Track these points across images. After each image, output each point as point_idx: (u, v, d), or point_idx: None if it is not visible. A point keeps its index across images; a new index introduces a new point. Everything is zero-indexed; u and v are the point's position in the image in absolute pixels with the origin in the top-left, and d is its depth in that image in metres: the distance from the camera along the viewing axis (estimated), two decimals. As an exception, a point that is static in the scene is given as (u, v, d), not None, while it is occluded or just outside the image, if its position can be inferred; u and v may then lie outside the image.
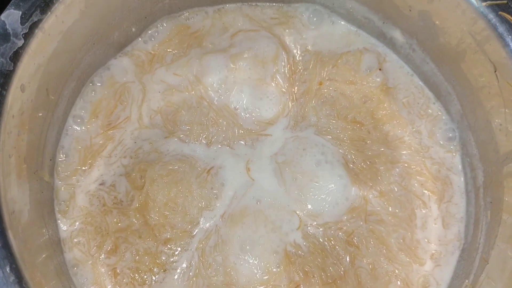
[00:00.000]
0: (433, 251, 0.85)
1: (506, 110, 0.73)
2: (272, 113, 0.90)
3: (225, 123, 0.88)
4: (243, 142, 0.88)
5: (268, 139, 0.89)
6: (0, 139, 0.68)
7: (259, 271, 0.82)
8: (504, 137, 0.75)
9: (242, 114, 0.89)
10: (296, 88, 0.91)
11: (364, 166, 0.87)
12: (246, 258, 0.83)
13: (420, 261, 0.84)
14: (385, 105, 0.90)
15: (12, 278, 0.62)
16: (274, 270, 0.82)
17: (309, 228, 0.84)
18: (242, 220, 0.84)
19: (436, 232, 0.86)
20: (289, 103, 0.90)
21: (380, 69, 0.91)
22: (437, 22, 0.81)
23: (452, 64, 0.82)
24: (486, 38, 0.73)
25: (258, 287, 0.82)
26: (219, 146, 0.88)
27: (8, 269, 0.62)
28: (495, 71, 0.73)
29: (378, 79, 0.91)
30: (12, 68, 0.68)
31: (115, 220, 0.84)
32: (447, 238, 0.85)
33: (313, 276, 0.81)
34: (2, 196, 0.66)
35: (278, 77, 0.91)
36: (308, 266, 0.81)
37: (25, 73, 0.72)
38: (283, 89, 0.90)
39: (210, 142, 0.88)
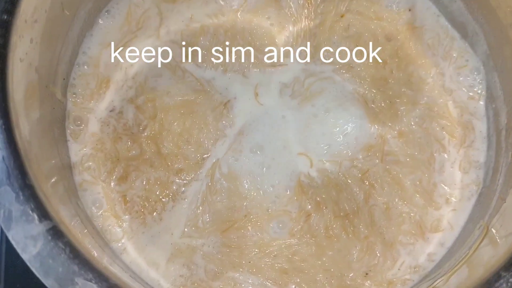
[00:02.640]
0: (449, 196, 0.88)
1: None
2: (283, 42, 0.92)
3: (239, 51, 0.90)
4: (256, 70, 0.90)
5: (281, 68, 0.90)
6: (12, 41, 0.67)
7: (269, 193, 0.85)
8: (531, 74, 0.72)
9: (257, 42, 0.91)
10: (311, 19, 0.92)
11: (384, 105, 0.89)
12: (255, 183, 0.86)
13: (436, 205, 0.87)
14: (410, 44, 0.92)
15: (15, 172, 0.60)
16: (286, 193, 0.84)
17: (323, 163, 0.86)
18: (250, 152, 0.87)
19: (454, 176, 0.88)
20: (302, 33, 0.92)
21: (410, 10, 0.92)
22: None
23: (481, 0, 0.78)
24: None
25: (269, 214, 0.84)
26: (233, 73, 0.90)
27: (12, 164, 0.61)
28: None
29: (405, 17, 0.92)
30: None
31: (125, 147, 0.88)
32: (464, 183, 0.88)
33: (326, 207, 0.85)
34: (10, 96, 0.64)
35: (292, 5, 0.92)
36: (320, 197, 0.85)
37: (40, -20, 0.71)
38: (295, 18, 0.92)
39: (225, 70, 0.90)
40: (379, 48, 0.91)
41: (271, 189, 0.86)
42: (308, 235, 0.84)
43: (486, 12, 0.85)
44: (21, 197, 0.63)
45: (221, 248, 0.84)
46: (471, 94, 0.89)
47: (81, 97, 0.88)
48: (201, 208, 0.85)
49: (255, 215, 0.85)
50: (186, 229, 0.85)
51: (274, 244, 0.84)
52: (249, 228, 0.85)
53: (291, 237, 0.84)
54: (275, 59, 0.91)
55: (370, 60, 0.90)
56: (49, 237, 0.63)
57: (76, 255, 0.63)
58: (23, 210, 0.63)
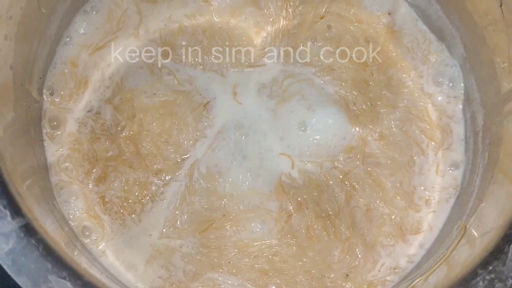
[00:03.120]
0: (428, 198, 0.88)
1: (511, 47, 0.74)
2: (261, 43, 0.92)
3: (218, 51, 0.90)
4: (235, 70, 0.90)
5: (259, 68, 0.91)
6: (-17, 35, 0.65)
7: (249, 193, 0.84)
8: (507, 75, 0.76)
9: (235, 42, 0.91)
10: (289, 19, 0.93)
11: (365, 107, 0.89)
12: (235, 183, 0.86)
13: (416, 207, 0.87)
14: (390, 47, 0.93)
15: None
16: (267, 193, 0.84)
17: (304, 164, 0.86)
18: (231, 152, 0.86)
19: (433, 179, 0.89)
20: (280, 34, 0.92)
21: (389, 14, 0.93)
22: (443, -43, 0.79)
23: (458, 3, 0.84)
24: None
25: (248, 214, 0.82)
26: (212, 73, 0.90)
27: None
28: (501, 6, 0.75)
29: (385, 21, 0.93)
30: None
31: (104, 147, 0.86)
32: (443, 185, 0.89)
33: (307, 208, 0.85)
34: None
35: (270, 6, 0.92)
36: (302, 198, 0.85)
37: (14, -24, 0.70)
38: (273, 19, 0.92)
39: (204, 69, 0.90)
40: (359, 50, 0.91)
41: (251, 189, 0.86)
42: (289, 236, 0.84)
43: (463, 15, 0.86)
44: (-6, 195, 0.62)
45: (200, 248, 0.83)
46: (449, 97, 0.90)
47: (58, 97, 0.87)
48: (179, 208, 0.84)
49: (234, 215, 0.84)
50: (164, 230, 0.84)
51: (254, 244, 0.83)
52: (228, 228, 0.84)
53: (271, 237, 0.84)
54: (252, 59, 0.91)
55: (351, 62, 0.90)
56: (22, 234, 0.61)
57: (49, 253, 0.61)
58: (-5, 207, 0.61)
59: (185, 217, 0.84)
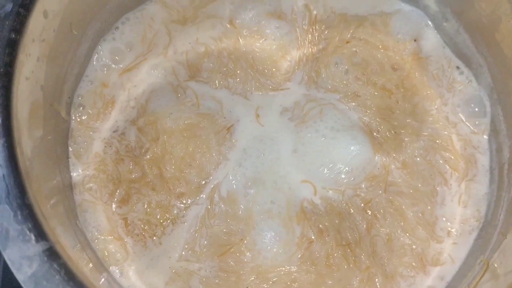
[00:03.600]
0: (450, 229, 0.86)
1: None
2: (286, 67, 0.92)
3: (242, 74, 0.90)
4: (258, 93, 0.90)
5: (283, 92, 0.91)
6: (18, 59, 0.67)
7: (268, 217, 0.84)
8: (535, 110, 0.72)
9: (259, 66, 0.92)
10: (314, 43, 0.93)
11: (389, 135, 0.88)
12: (255, 207, 0.85)
13: (438, 239, 0.85)
14: (416, 75, 0.91)
15: (15, 191, 0.60)
16: (288, 218, 0.83)
17: (326, 191, 0.85)
18: (253, 175, 0.86)
19: (456, 210, 0.87)
20: (304, 58, 0.92)
21: (415, 40, 0.92)
22: (472, -12, 0.78)
23: (486, 33, 0.84)
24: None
25: (268, 239, 0.82)
26: (236, 96, 0.90)
27: (12, 182, 0.60)
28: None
29: (411, 47, 0.92)
30: (36, -10, 0.69)
31: (127, 169, 0.86)
32: (466, 217, 0.87)
33: (328, 235, 0.83)
34: (14, 114, 0.64)
35: (297, 30, 0.92)
36: (323, 225, 0.84)
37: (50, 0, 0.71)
38: (299, 43, 0.92)
39: (229, 93, 0.91)
40: (385, 77, 0.90)
41: (272, 213, 0.85)
42: (308, 263, 0.83)
43: (491, 45, 0.85)
44: (19, 216, 0.62)
45: (218, 272, 0.83)
46: (474, 127, 0.88)
47: (86, 116, 0.88)
48: (199, 232, 0.84)
49: (253, 240, 0.84)
50: (183, 253, 0.83)
51: (273, 270, 0.83)
52: (246, 253, 0.83)
53: (291, 263, 0.83)
54: (277, 83, 0.91)
55: (377, 89, 0.90)
56: (45, 258, 0.62)
57: (71, 277, 0.62)
58: (20, 230, 0.62)
59: (204, 240, 0.84)
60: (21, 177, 0.65)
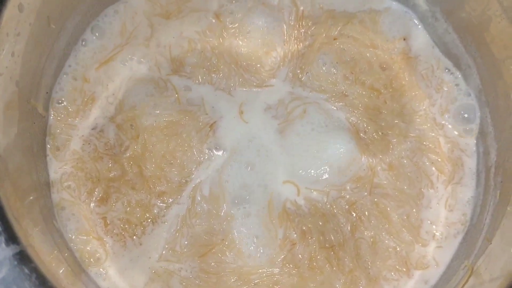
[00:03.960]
0: (435, 232, 0.85)
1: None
2: (270, 63, 0.90)
3: (226, 69, 0.88)
4: (242, 89, 0.88)
5: (267, 88, 0.89)
6: (-9, 54, 0.63)
7: (251, 218, 0.82)
8: (524, 113, 0.70)
9: (243, 62, 0.89)
10: (300, 40, 0.90)
11: (376, 136, 0.86)
12: (237, 206, 0.83)
13: (423, 242, 0.84)
14: (405, 75, 0.89)
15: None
16: (270, 219, 0.82)
17: (310, 192, 0.83)
18: (235, 174, 0.84)
19: (441, 213, 0.86)
20: (290, 54, 0.90)
21: (404, 39, 0.89)
22: (463, -13, 0.76)
23: (476, 34, 0.81)
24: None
25: (250, 240, 0.81)
26: (220, 91, 0.88)
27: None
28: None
29: (400, 46, 0.90)
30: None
31: (106, 167, 0.84)
32: (451, 220, 0.85)
33: (311, 237, 0.82)
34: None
35: (284, 26, 0.90)
36: (306, 227, 0.82)
37: (24, -8, 0.68)
38: (284, 39, 0.90)
39: (212, 88, 0.88)
40: (373, 77, 0.88)
41: (254, 213, 0.83)
42: (291, 265, 0.81)
43: (480, 45, 0.83)
44: (-12, 219, 0.60)
45: (199, 273, 0.81)
46: (462, 129, 0.87)
47: (65, 113, 0.85)
48: (180, 231, 0.82)
49: (235, 240, 0.82)
50: (164, 252, 0.81)
51: (254, 272, 0.81)
52: (227, 254, 0.81)
53: (272, 265, 0.81)
54: (261, 79, 0.89)
55: (365, 89, 0.88)
56: (15, 262, 0.59)
57: (42, 282, 0.60)
58: (-11, 233, 0.60)
59: (185, 240, 0.82)
60: (-10, 178, 0.62)
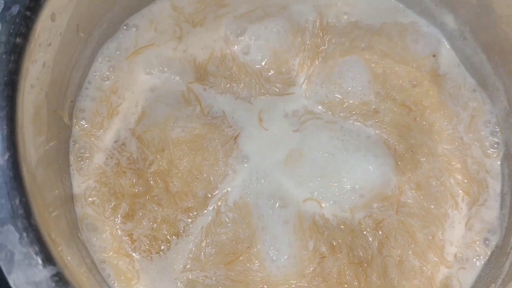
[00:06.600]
0: (459, 254, 0.86)
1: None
2: (292, 72, 0.90)
3: (247, 79, 0.88)
4: (262, 97, 0.88)
5: (288, 97, 0.89)
6: (24, 67, 0.62)
7: (279, 228, 0.82)
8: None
9: (264, 72, 0.89)
10: (323, 48, 0.90)
11: (406, 155, 0.87)
12: (264, 216, 0.83)
13: (446, 263, 0.85)
14: (434, 92, 0.90)
15: (20, 211, 0.56)
16: (299, 231, 0.82)
17: (336, 210, 0.84)
18: (260, 186, 0.85)
19: (464, 234, 0.87)
20: (309, 61, 0.90)
21: (434, 56, 0.91)
22: (497, 10, 0.75)
23: (505, 56, 0.82)
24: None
25: (276, 249, 0.80)
26: (240, 100, 0.88)
27: (17, 201, 0.56)
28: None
29: (429, 63, 0.91)
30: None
31: (130, 183, 0.83)
32: (474, 241, 0.87)
33: (340, 252, 0.83)
34: (19, 125, 0.60)
35: (307, 33, 0.90)
36: (336, 241, 0.83)
37: (58, 2, 0.69)
38: (306, 47, 0.90)
39: (232, 97, 0.88)
40: (404, 93, 0.89)
41: (282, 224, 0.83)
42: (320, 278, 0.82)
43: (509, 68, 0.84)
44: (25, 238, 0.59)
45: (224, 281, 0.81)
46: (488, 151, 0.88)
47: (88, 124, 0.84)
48: (205, 241, 0.82)
49: (262, 249, 0.82)
50: (189, 262, 0.81)
51: (283, 282, 0.81)
52: (255, 262, 0.82)
53: (301, 278, 0.82)
54: (281, 88, 0.89)
55: (396, 105, 0.88)
56: (53, 284, 0.59)
57: (80, 304, 0.59)
58: (26, 253, 0.59)
59: (211, 249, 0.82)
60: (26, 195, 0.61)
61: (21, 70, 0.65)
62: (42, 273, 0.59)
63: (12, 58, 0.64)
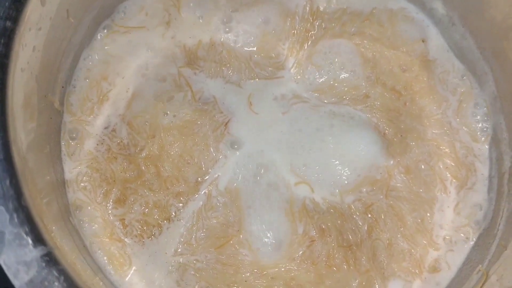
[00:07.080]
0: (447, 236, 0.87)
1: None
2: (281, 55, 0.91)
3: (236, 63, 0.89)
4: (251, 81, 0.89)
5: (277, 80, 0.90)
6: (14, 50, 0.63)
7: (269, 212, 0.83)
8: (540, 121, 0.71)
9: (254, 56, 0.90)
10: (313, 33, 0.91)
11: (396, 139, 0.88)
12: (254, 200, 0.84)
13: (435, 246, 0.86)
14: (424, 77, 0.91)
15: (11, 192, 0.56)
16: (289, 214, 0.83)
17: (327, 193, 0.85)
18: (251, 170, 0.85)
19: (453, 218, 0.88)
20: (298, 45, 0.90)
21: (423, 41, 0.91)
22: (485, -6, 0.77)
23: (494, 41, 0.83)
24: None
25: (268, 233, 0.81)
26: (230, 84, 0.89)
27: (7, 182, 0.57)
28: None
29: (419, 49, 0.92)
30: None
31: (121, 168, 0.84)
32: (462, 225, 0.88)
33: (330, 235, 0.84)
34: (9, 108, 0.61)
35: (296, 18, 0.91)
36: (325, 225, 0.84)
37: (47, -14, 0.68)
38: (296, 32, 0.91)
39: (222, 81, 0.89)
40: (394, 78, 0.89)
41: (272, 208, 0.84)
42: (309, 261, 0.83)
43: (498, 53, 0.85)
44: (15, 219, 0.59)
45: (215, 264, 0.82)
46: (476, 135, 0.89)
47: (80, 109, 0.84)
48: (196, 225, 0.83)
49: (252, 233, 0.83)
50: (180, 246, 0.82)
51: (272, 266, 0.82)
52: (246, 246, 0.83)
53: (291, 261, 0.83)
54: (270, 71, 0.90)
55: (386, 90, 0.89)
56: (43, 264, 0.59)
57: (70, 284, 0.60)
58: (16, 233, 0.59)
59: (201, 233, 0.83)
60: (17, 177, 0.62)
61: (11, 54, 0.66)
62: (33, 253, 0.59)
63: (2, 41, 0.65)
